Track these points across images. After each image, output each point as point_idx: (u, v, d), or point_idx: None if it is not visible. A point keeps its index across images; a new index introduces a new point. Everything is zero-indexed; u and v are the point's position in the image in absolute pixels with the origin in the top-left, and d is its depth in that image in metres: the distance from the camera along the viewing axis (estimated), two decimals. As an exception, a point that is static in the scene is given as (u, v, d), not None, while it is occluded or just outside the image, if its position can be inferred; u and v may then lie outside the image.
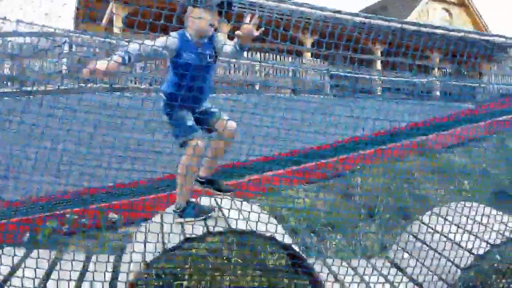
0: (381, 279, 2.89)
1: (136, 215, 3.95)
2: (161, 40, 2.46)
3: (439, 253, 2.88)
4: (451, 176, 5.27)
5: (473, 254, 2.75)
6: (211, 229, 2.44)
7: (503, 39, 11.18)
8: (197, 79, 2.55)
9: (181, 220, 2.60)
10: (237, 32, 2.40)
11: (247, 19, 2.36)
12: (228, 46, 2.55)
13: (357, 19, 9.92)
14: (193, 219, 2.56)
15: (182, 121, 2.58)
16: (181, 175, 2.57)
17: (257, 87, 10.07)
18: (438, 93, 12.46)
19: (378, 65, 13.11)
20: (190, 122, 2.60)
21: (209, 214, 2.63)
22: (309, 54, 12.44)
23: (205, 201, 2.91)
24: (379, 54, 13.16)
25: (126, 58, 2.35)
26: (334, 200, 4.85)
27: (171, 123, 2.63)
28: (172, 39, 2.49)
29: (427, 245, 3.04)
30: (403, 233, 3.40)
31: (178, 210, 2.65)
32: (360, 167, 5.22)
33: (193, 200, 2.75)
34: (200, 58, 2.55)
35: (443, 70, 13.82)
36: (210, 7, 2.49)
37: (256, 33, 2.38)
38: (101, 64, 2.27)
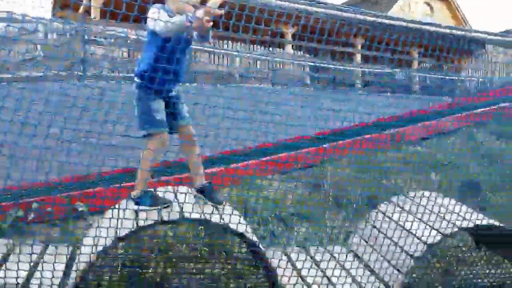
0: (337, 266, 2.98)
1: (103, 204, 3.94)
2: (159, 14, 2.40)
3: (393, 242, 2.97)
4: (419, 167, 5.39)
5: (424, 243, 2.84)
6: (165, 218, 2.47)
7: (481, 35, 11.38)
8: (176, 57, 2.49)
9: (136, 207, 2.61)
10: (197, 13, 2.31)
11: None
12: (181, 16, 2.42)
13: (331, 11, 9.95)
14: (147, 208, 2.58)
15: (153, 112, 2.55)
16: (144, 167, 2.58)
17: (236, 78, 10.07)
18: (417, 87, 12.66)
19: (359, 59, 13.18)
20: (161, 115, 2.58)
21: (165, 205, 2.63)
22: (290, 46, 12.42)
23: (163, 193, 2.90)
24: (359, 47, 13.23)
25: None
26: (303, 191, 4.92)
27: (141, 109, 2.57)
28: (163, 12, 2.43)
29: (383, 234, 3.12)
30: (363, 221, 3.49)
31: (135, 198, 2.66)
32: (328, 159, 5.30)
33: (151, 189, 2.75)
34: (180, 36, 2.47)
35: (422, 64, 14.00)
36: None
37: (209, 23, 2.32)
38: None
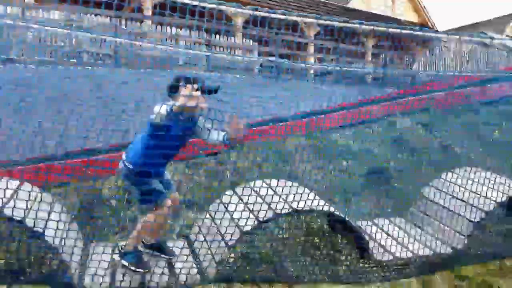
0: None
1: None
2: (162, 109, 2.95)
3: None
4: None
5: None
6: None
7: (441, 35, 13.19)
8: (176, 147, 3.24)
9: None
10: (226, 128, 3.08)
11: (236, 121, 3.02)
12: (215, 134, 3.19)
13: None
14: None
15: (153, 188, 3.23)
16: (144, 228, 3.31)
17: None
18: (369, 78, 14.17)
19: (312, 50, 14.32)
20: (159, 186, 3.28)
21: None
22: (240, 34, 13.10)
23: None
24: (312, 37, 14.40)
25: None
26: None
27: (141, 191, 3.26)
28: (164, 109, 2.97)
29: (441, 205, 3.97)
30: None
31: (122, 250, 3.34)
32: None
33: (141, 250, 3.47)
34: (179, 131, 3.13)
35: (376, 55, 15.63)
36: (201, 90, 3.01)
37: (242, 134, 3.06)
38: None
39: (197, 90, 2.90)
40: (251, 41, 12.91)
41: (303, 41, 13.92)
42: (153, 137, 3.09)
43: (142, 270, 3.26)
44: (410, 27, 4.50)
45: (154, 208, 3.22)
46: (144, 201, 3.28)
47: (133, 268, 3.26)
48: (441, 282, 5.40)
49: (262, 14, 3.80)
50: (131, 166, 3.16)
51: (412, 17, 18.59)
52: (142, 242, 3.51)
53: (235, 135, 3.04)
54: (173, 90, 3.10)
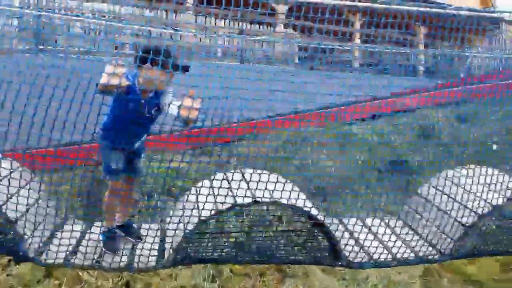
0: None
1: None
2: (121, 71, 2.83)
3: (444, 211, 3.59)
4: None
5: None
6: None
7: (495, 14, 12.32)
8: (134, 125, 3.16)
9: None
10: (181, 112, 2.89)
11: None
12: (175, 108, 2.98)
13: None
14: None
15: (108, 160, 3.24)
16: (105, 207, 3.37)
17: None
18: (422, 68, 13.53)
19: (357, 39, 13.92)
20: (115, 164, 3.24)
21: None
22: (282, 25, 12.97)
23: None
24: (358, 26, 13.99)
25: None
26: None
27: (103, 157, 3.30)
28: (127, 78, 2.90)
29: (433, 204, 3.74)
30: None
31: (103, 228, 3.40)
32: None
33: (117, 231, 3.45)
34: (141, 107, 3.09)
35: (428, 46, 14.90)
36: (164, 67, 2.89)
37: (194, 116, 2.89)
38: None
39: (163, 66, 2.83)
40: (291, 30, 12.79)
41: (348, 29, 13.57)
42: (116, 104, 3.11)
43: (107, 251, 3.30)
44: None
45: (108, 184, 3.30)
46: (103, 166, 3.31)
47: (102, 247, 3.33)
48: (449, 286, 5.18)
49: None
50: (100, 132, 3.24)
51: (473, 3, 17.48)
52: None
53: (187, 115, 2.86)
54: (141, 61, 2.96)
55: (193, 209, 3.01)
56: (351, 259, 3.26)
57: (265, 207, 3.27)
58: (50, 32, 6.96)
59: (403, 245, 3.50)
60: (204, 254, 3.16)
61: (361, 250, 3.40)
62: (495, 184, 3.64)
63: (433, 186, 3.91)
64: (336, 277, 4.78)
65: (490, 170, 3.69)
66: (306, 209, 3.06)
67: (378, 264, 3.35)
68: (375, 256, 3.37)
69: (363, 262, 3.28)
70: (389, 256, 3.39)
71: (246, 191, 3.05)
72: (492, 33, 14.68)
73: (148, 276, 4.13)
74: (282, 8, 12.91)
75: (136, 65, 3.02)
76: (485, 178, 3.60)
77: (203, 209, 2.97)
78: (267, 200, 2.98)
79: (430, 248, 3.58)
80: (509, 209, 3.60)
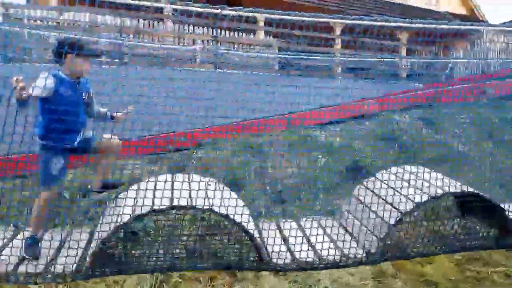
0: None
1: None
2: (40, 82, 3.23)
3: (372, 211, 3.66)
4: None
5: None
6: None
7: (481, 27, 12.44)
8: (72, 114, 3.44)
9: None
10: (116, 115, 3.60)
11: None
12: (101, 108, 3.65)
13: None
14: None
15: (48, 167, 3.46)
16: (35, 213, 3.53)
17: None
18: (404, 74, 13.64)
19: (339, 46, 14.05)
20: (55, 170, 3.48)
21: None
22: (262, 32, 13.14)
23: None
24: (338, 33, 14.13)
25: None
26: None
27: (41, 166, 3.48)
28: (50, 80, 3.31)
29: (365, 205, 3.81)
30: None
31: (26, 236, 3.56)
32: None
33: (39, 238, 3.63)
34: (75, 94, 3.50)
35: (411, 50, 15.04)
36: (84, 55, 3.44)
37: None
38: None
39: (78, 54, 3.29)
40: (271, 37, 12.94)
41: (329, 36, 13.70)
42: (47, 109, 3.34)
43: (29, 257, 3.51)
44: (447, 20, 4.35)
45: (41, 192, 3.46)
46: (40, 177, 3.51)
47: (24, 253, 3.53)
48: (402, 286, 5.21)
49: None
50: (37, 139, 3.45)
51: (458, 9, 17.62)
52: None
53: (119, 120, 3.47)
54: (59, 55, 3.35)
55: (113, 214, 3.10)
56: (275, 262, 3.33)
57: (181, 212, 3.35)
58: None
59: (332, 246, 3.58)
60: (124, 263, 3.23)
61: (287, 253, 3.47)
62: (421, 182, 3.74)
63: (365, 186, 4.00)
64: (287, 280, 4.82)
65: (415, 169, 3.78)
66: (223, 211, 3.14)
67: (304, 267, 3.42)
68: (301, 258, 3.44)
69: (287, 264, 3.36)
70: (316, 258, 3.47)
71: (162, 194, 3.15)
72: (473, 37, 14.87)
73: (93, 283, 4.19)
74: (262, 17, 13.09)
75: (57, 59, 3.40)
76: (409, 177, 3.69)
77: (122, 213, 3.06)
78: (185, 204, 3.07)
79: (359, 249, 3.65)
80: (430, 206, 3.69)
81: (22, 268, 3.27)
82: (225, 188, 3.59)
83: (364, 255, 3.53)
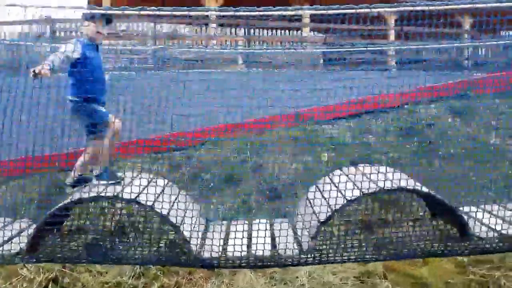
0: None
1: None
2: (70, 46, 3.80)
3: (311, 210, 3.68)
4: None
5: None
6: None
7: None
8: (99, 74, 3.99)
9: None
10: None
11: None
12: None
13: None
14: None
15: (96, 109, 3.94)
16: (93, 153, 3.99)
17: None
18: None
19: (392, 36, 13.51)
20: (102, 108, 3.99)
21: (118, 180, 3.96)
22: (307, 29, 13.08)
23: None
24: (392, 23, 13.58)
25: (51, 65, 3.62)
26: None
27: (86, 116, 3.96)
28: (78, 45, 3.87)
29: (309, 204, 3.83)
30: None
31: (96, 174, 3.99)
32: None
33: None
34: (98, 57, 4.05)
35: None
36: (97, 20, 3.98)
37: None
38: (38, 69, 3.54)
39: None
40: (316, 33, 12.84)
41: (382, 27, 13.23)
42: (77, 71, 3.85)
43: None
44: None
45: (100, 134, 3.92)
46: (93, 123, 3.95)
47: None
48: (387, 288, 5.08)
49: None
50: (75, 98, 3.94)
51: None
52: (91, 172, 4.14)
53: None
54: (108, 22, 4.05)
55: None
56: (202, 259, 3.44)
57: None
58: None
59: (265, 244, 3.60)
60: (55, 252, 3.55)
61: (217, 250, 3.55)
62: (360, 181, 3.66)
63: (315, 185, 3.99)
64: (264, 276, 4.94)
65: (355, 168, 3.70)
66: (149, 203, 3.35)
67: (234, 265, 3.50)
68: (231, 257, 3.50)
69: (215, 261, 3.46)
70: (249, 255, 3.53)
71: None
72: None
73: (77, 272, 4.67)
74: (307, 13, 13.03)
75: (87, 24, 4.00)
76: (347, 175, 3.63)
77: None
78: (110, 194, 3.38)
79: (294, 248, 3.61)
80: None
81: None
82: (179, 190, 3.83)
83: (297, 255, 3.52)
